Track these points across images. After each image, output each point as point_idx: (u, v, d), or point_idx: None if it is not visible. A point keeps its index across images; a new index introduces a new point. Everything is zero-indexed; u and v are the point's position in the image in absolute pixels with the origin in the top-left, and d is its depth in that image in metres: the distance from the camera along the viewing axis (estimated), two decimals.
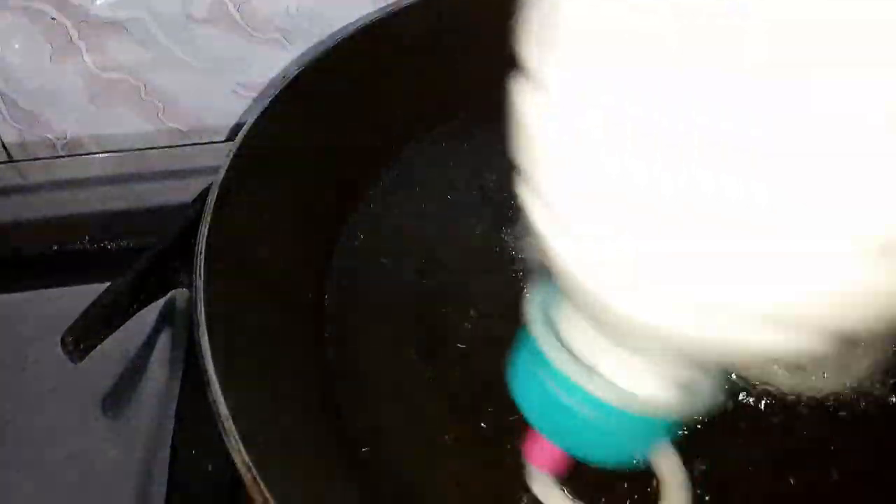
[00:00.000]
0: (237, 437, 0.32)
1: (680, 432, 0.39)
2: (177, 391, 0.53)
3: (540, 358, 0.32)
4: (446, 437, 0.42)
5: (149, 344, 0.58)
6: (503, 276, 0.50)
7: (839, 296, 0.24)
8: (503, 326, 0.45)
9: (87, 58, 0.69)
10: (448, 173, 0.56)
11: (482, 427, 0.42)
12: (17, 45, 0.68)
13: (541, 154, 0.27)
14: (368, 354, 0.45)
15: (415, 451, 0.41)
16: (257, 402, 0.35)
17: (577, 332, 0.31)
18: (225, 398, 0.33)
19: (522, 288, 0.49)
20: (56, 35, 0.67)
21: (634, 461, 0.38)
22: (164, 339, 0.58)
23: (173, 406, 0.52)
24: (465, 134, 0.59)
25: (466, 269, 0.51)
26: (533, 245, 0.30)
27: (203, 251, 0.39)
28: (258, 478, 0.30)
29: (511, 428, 0.38)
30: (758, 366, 0.29)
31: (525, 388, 0.34)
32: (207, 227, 0.40)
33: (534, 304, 0.33)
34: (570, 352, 0.31)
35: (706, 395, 0.32)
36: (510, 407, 0.34)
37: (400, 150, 0.56)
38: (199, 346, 0.35)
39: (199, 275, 0.38)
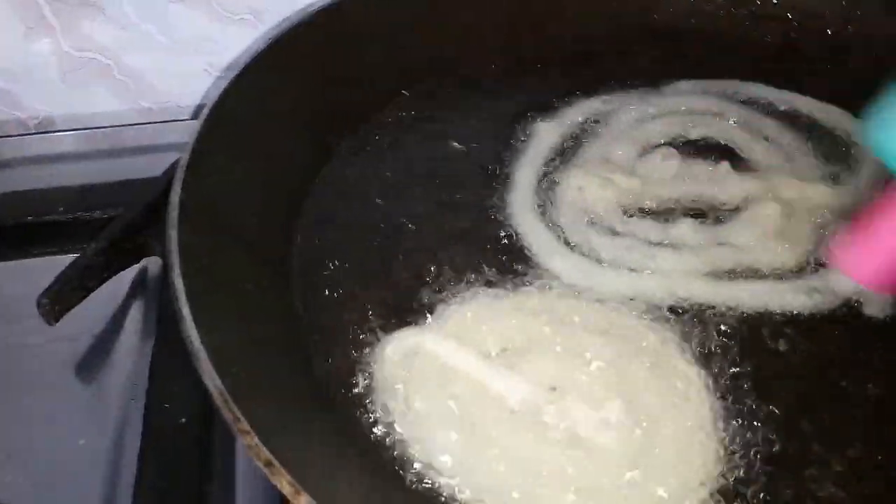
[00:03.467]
0: (210, 363, 0.34)
1: None
2: (149, 353, 0.55)
3: None
4: None
5: (122, 311, 0.59)
6: (466, 236, 0.53)
7: None
8: (462, 280, 0.49)
9: (60, 37, 0.70)
10: (413, 140, 0.59)
11: None
12: None
13: None
14: (333, 302, 0.48)
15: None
16: (228, 338, 0.37)
17: None
18: (198, 331, 0.35)
19: (482, 244, 0.52)
20: (30, 13, 0.68)
21: None
22: (136, 307, 0.60)
23: (146, 367, 0.54)
24: (429, 105, 0.62)
25: (429, 228, 0.53)
26: None
27: (177, 204, 0.41)
28: (229, 399, 0.32)
29: None
30: None
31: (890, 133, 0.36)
32: (181, 182, 0.42)
33: None
34: None
35: None
36: None
37: (365, 119, 0.59)
38: (173, 285, 0.37)
39: (173, 225, 0.40)
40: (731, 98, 0.63)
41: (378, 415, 0.42)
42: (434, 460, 0.41)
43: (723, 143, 0.59)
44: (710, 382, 0.45)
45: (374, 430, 0.42)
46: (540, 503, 0.41)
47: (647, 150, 0.58)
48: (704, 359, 0.46)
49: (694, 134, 0.60)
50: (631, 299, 0.49)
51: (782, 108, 0.62)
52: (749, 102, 0.63)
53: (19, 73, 0.72)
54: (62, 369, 0.56)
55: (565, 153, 0.59)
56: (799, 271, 0.51)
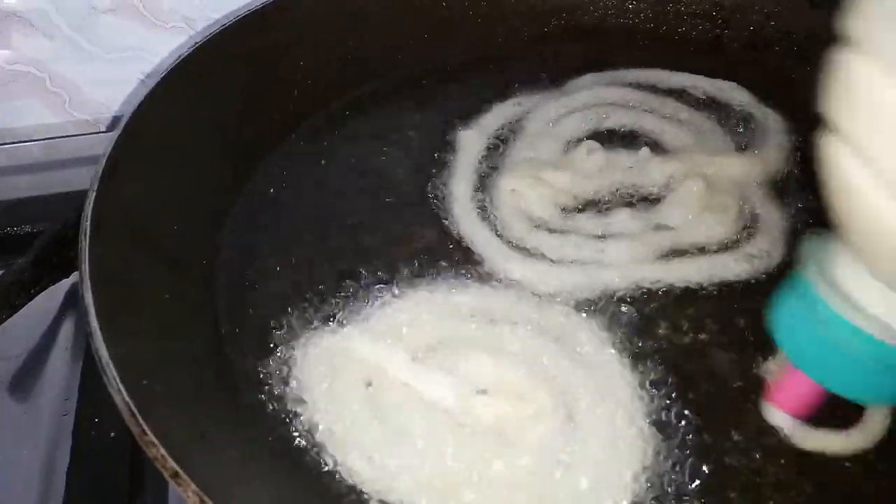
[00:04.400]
0: (117, 379, 0.33)
1: None
2: (80, 370, 0.54)
3: (811, 299, 0.36)
4: None
5: (54, 326, 0.59)
6: (395, 242, 0.53)
7: None
8: (391, 283, 0.49)
9: None
10: (341, 148, 0.59)
11: None
12: None
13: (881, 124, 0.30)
14: (258, 315, 0.48)
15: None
16: (141, 351, 0.37)
17: (852, 278, 0.35)
18: (107, 346, 0.35)
19: (412, 251, 0.52)
20: None
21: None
22: (69, 321, 0.59)
23: (76, 383, 0.53)
24: (355, 113, 0.62)
25: (356, 238, 0.53)
26: None
27: (89, 216, 0.40)
28: (135, 411, 0.32)
29: None
30: None
31: (790, 329, 0.38)
32: (95, 193, 0.42)
33: (809, 254, 0.38)
34: (842, 293, 0.35)
35: None
36: None
37: (293, 126, 0.59)
38: (82, 298, 0.36)
39: (85, 236, 0.39)
40: (632, 85, 0.64)
41: (299, 421, 0.42)
42: (358, 467, 0.41)
43: (636, 129, 0.61)
44: (638, 373, 0.46)
45: (294, 437, 0.41)
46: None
47: (569, 145, 0.59)
48: (633, 348, 0.47)
49: (607, 125, 0.61)
50: (589, 294, 0.50)
51: (678, 88, 0.65)
52: (648, 87, 0.64)
53: None
54: None
55: (494, 158, 0.59)
56: (733, 240, 0.53)
